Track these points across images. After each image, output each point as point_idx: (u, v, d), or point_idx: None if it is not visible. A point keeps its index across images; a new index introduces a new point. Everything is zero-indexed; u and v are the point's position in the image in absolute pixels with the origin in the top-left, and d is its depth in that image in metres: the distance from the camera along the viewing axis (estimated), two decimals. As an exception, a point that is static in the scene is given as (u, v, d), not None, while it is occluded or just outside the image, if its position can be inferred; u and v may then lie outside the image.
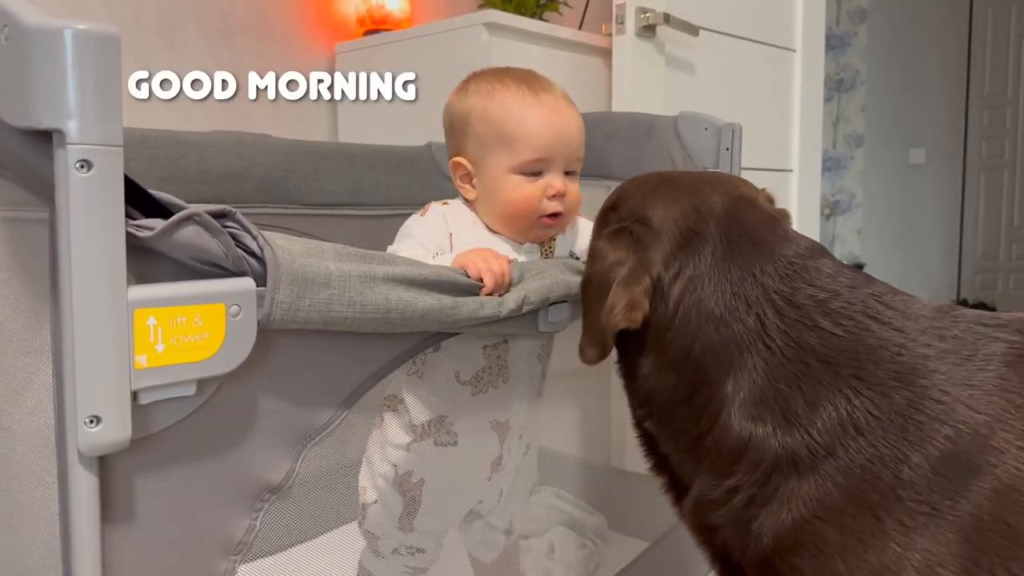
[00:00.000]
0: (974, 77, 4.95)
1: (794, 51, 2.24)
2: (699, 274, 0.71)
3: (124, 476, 0.60)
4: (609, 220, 0.78)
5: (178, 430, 0.63)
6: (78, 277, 0.54)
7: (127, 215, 0.56)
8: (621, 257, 0.72)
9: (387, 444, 0.96)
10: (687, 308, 0.71)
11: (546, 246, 1.08)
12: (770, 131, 2.20)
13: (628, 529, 1.40)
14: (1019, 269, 4.87)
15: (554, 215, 1.02)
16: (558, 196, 1.01)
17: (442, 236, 1.01)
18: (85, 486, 0.57)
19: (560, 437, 1.48)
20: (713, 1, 1.98)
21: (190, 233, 0.59)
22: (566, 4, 2.26)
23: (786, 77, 2.24)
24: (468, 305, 0.79)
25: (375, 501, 0.99)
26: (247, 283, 0.63)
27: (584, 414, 1.52)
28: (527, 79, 1.05)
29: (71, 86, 0.52)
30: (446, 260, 0.91)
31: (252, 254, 0.64)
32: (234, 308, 0.62)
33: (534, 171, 1.00)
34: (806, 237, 0.76)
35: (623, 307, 0.70)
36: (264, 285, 0.64)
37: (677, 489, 0.78)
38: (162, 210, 0.61)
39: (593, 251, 0.75)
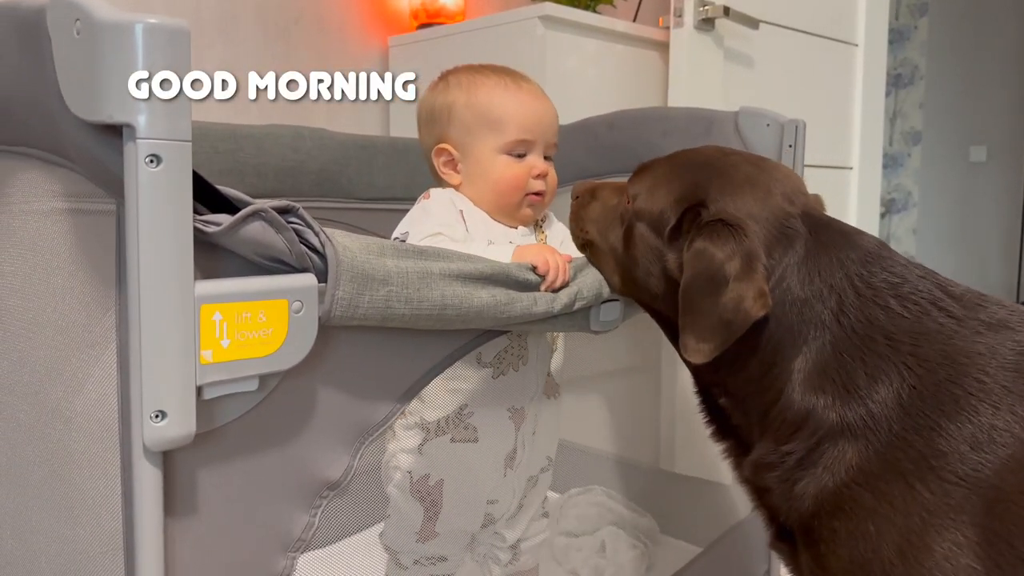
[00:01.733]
0: (1037, 73, 4.78)
1: (856, 45, 2.18)
2: (792, 263, 0.75)
3: (187, 470, 0.60)
4: (700, 217, 0.77)
5: (239, 425, 0.63)
6: (146, 272, 0.54)
7: (194, 210, 0.56)
8: (730, 252, 0.73)
9: (396, 452, 0.96)
10: (780, 295, 0.74)
11: (541, 233, 1.12)
12: (830, 128, 2.15)
13: (679, 533, 1.38)
14: (1083, 271, 4.70)
15: (538, 194, 1.07)
16: (542, 176, 1.07)
17: (454, 215, 1.04)
18: (149, 480, 0.57)
19: (607, 436, 1.46)
20: (774, -7, 1.93)
21: (256, 229, 0.59)
22: (621, -3, 2.23)
23: (847, 72, 2.19)
24: (522, 301, 0.79)
25: (388, 515, 0.99)
26: (309, 279, 0.63)
27: (631, 414, 1.50)
28: (506, 71, 1.11)
29: (142, 81, 0.52)
30: (498, 252, 0.90)
31: (314, 250, 0.64)
32: (296, 304, 0.62)
33: (519, 152, 1.06)
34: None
35: (754, 296, 0.71)
36: (324, 281, 0.64)
37: (738, 453, 0.82)
38: (227, 205, 0.61)
39: (697, 251, 0.74)
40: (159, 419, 0.55)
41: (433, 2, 2.06)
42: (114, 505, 0.61)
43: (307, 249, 0.63)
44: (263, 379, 0.62)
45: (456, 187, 1.09)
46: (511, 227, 1.08)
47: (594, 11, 2.06)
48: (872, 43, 2.22)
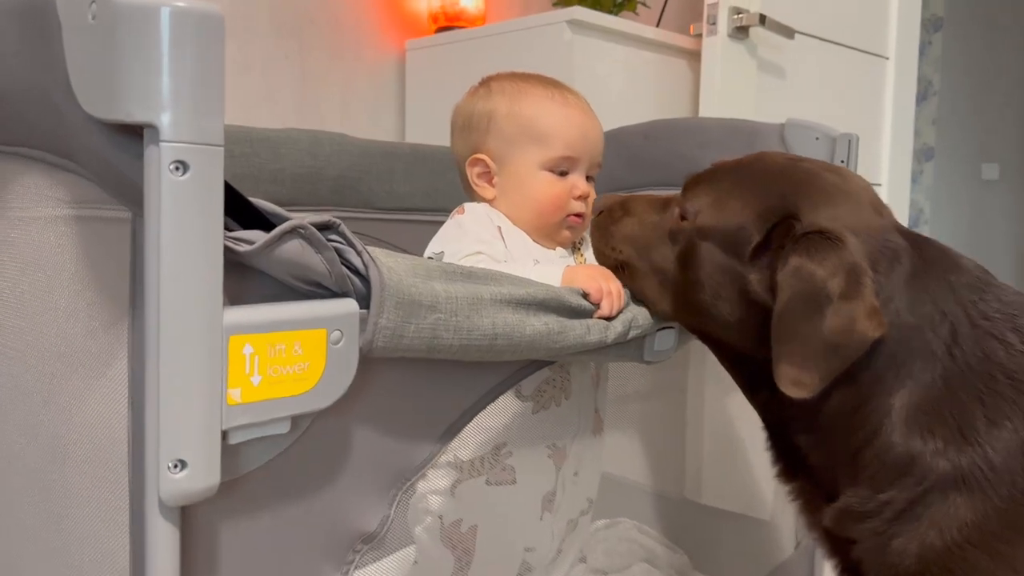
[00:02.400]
0: (1051, 90, 4.73)
1: (887, 59, 2.12)
2: (899, 282, 0.67)
3: (206, 524, 0.52)
4: (792, 231, 0.68)
5: (266, 472, 0.55)
6: (167, 296, 0.46)
7: (224, 226, 0.48)
8: (833, 267, 0.64)
9: (427, 494, 0.82)
10: (887, 318, 0.66)
11: (580, 255, 1.05)
12: (860, 142, 2.08)
13: (712, 570, 1.30)
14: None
15: (578, 215, 1.00)
16: (583, 197, 1.00)
17: (492, 231, 0.97)
18: (164, 537, 0.49)
19: (632, 465, 1.39)
20: (808, 4, 1.86)
21: (293, 248, 0.51)
22: (643, 4, 2.16)
23: (877, 86, 2.12)
24: (575, 330, 0.71)
25: (415, 562, 0.85)
26: (350, 305, 0.55)
27: (656, 442, 1.42)
28: (553, 82, 1.04)
29: (167, 74, 0.44)
30: (547, 274, 0.82)
31: (356, 272, 0.56)
32: (335, 334, 0.54)
33: (562, 169, 0.99)
34: None
35: (866, 314, 0.63)
36: (365, 307, 0.56)
37: (813, 497, 0.74)
38: (257, 219, 0.53)
39: (794, 268, 0.65)
40: (178, 469, 0.47)
41: (453, 5, 1.99)
42: (120, 562, 0.53)
43: (348, 271, 0.55)
44: (296, 420, 0.54)
45: (489, 201, 1.01)
46: (548, 248, 1.00)
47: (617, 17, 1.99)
48: (903, 57, 2.16)
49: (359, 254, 0.56)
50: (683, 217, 0.78)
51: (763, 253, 0.71)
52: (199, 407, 0.47)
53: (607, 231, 0.86)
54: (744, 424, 1.26)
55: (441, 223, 1.39)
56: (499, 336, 0.64)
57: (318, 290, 0.55)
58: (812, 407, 0.69)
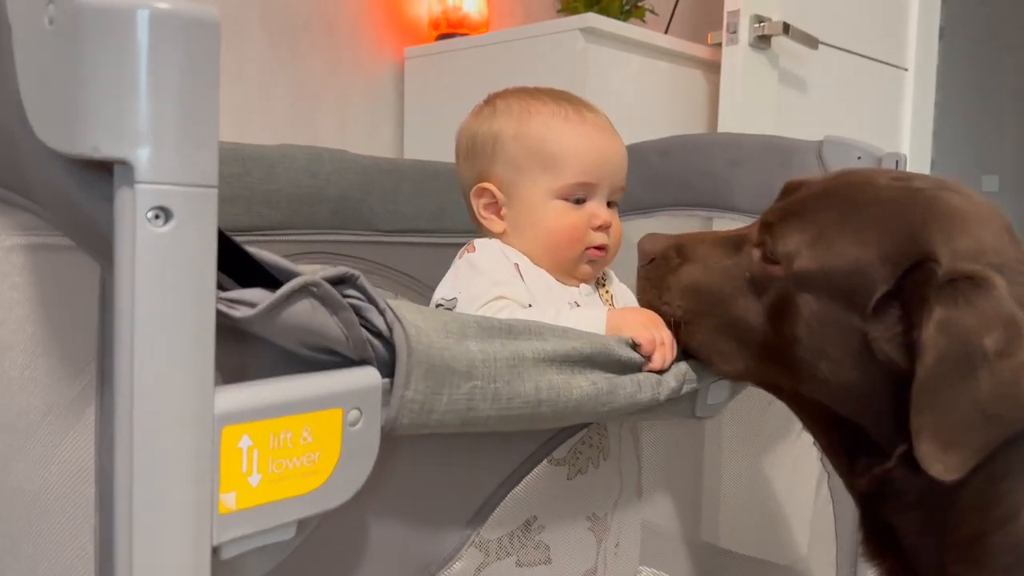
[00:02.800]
0: (1050, 101, 4.69)
1: (906, 70, 2.04)
2: None
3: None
4: (932, 276, 0.57)
5: (266, 582, 0.44)
6: (143, 379, 0.36)
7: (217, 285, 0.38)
8: (984, 321, 0.53)
9: None
10: None
11: (604, 290, 0.94)
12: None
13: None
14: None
15: (600, 248, 0.89)
16: (604, 228, 0.89)
17: (510, 271, 0.85)
18: None
19: (652, 509, 1.29)
20: (830, 13, 1.79)
21: (303, 309, 0.41)
22: (652, 11, 2.08)
23: (896, 97, 2.04)
24: (625, 388, 0.61)
25: None
26: (372, 376, 0.45)
27: (672, 483, 1.33)
28: (566, 97, 0.93)
29: (145, 95, 0.34)
30: (587, 319, 0.72)
31: (377, 334, 0.46)
32: (353, 413, 0.44)
33: (578, 197, 0.88)
34: None
35: None
36: (388, 376, 0.46)
37: None
38: (254, 271, 0.43)
39: (942, 323, 0.54)
40: (156, 598, 0.37)
41: (455, 11, 1.89)
42: None
43: (369, 333, 0.45)
44: (302, 522, 0.44)
45: (499, 235, 0.90)
46: (571, 286, 0.89)
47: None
48: (922, 68, 2.09)
49: (382, 313, 0.45)
50: (770, 260, 0.65)
51: (890, 304, 0.59)
52: (183, 520, 0.37)
53: (662, 282, 0.73)
54: (771, 464, 1.18)
55: (448, 245, 1.29)
56: (543, 402, 0.54)
57: (330, 358, 0.45)
58: (931, 484, 0.57)
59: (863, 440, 0.61)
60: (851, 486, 0.67)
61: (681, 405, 0.69)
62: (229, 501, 0.39)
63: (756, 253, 0.67)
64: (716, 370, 0.70)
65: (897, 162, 1.06)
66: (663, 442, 1.26)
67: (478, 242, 0.90)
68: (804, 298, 0.63)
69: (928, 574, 0.61)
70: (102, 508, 0.41)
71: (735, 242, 0.70)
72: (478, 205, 0.91)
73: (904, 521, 0.61)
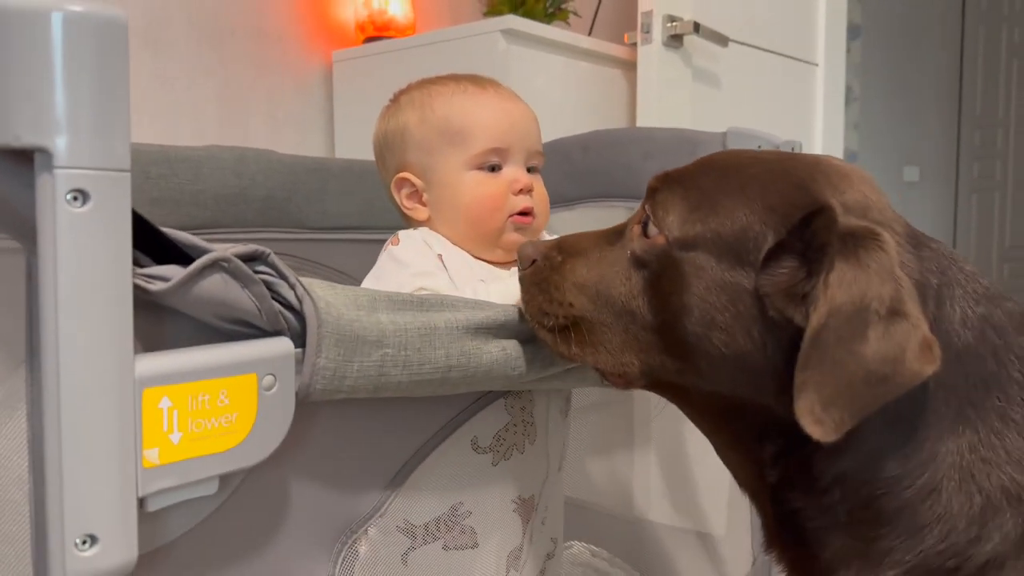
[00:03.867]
0: (966, 97, 4.91)
1: (816, 65, 2.14)
2: (947, 289, 0.56)
3: (123, 604, 0.45)
4: (834, 226, 0.55)
5: (192, 539, 0.48)
6: (68, 345, 0.39)
7: (133, 261, 0.42)
8: (878, 277, 0.52)
9: (374, 563, 0.67)
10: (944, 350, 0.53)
11: None
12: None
13: (670, 591, 1.26)
14: (1013, 290, 4.81)
15: (524, 213, 0.88)
16: (526, 191, 0.89)
17: (432, 261, 0.87)
18: (72, 626, 0.42)
19: (580, 485, 1.34)
20: (740, 12, 1.87)
21: (215, 283, 0.45)
22: (575, 14, 2.14)
23: (808, 92, 2.14)
24: (538, 352, 0.66)
25: None
26: (284, 345, 0.49)
27: (603, 458, 1.38)
28: (468, 76, 0.94)
29: (61, 89, 0.38)
30: (498, 292, 0.76)
31: (289, 307, 0.50)
32: (268, 379, 0.48)
33: (492, 164, 0.88)
34: None
35: (918, 346, 0.50)
36: (301, 346, 0.50)
37: (808, 569, 0.61)
38: (171, 251, 0.47)
39: (841, 276, 0.52)
40: (87, 546, 0.41)
41: (381, 14, 1.93)
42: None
43: (280, 306, 0.49)
44: (224, 479, 0.48)
45: (425, 223, 0.92)
46: (500, 265, 0.91)
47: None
48: (831, 63, 2.19)
49: (292, 287, 0.50)
50: (650, 235, 0.62)
51: (782, 256, 0.57)
52: (109, 473, 0.41)
53: (547, 283, 0.67)
54: (692, 437, 1.24)
55: (376, 241, 1.33)
56: (453, 368, 0.58)
57: (246, 330, 0.49)
58: (833, 458, 0.57)
59: (770, 425, 0.59)
60: (756, 481, 0.64)
61: (591, 372, 0.74)
62: (152, 456, 0.43)
63: (636, 229, 0.64)
64: (612, 373, 0.66)
65: (792, 148, 1.14)
66: (595, 422, 1.32)
67: (402, 233, 0.91)
68: (690, 264, 0.59)
69: (833, 560, 0.59)
70: (34, 471, 0.45)
71: (617, 229, 0.68)
72: (400, 197, 0.93)
73: (810, 504, 0.59)
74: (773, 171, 0.60)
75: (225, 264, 0.45)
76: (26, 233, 0.42)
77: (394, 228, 1.34)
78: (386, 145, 0.95)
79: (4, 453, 0.46)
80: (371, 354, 0.53)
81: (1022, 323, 0.57)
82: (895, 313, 0.51)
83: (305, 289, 0.50)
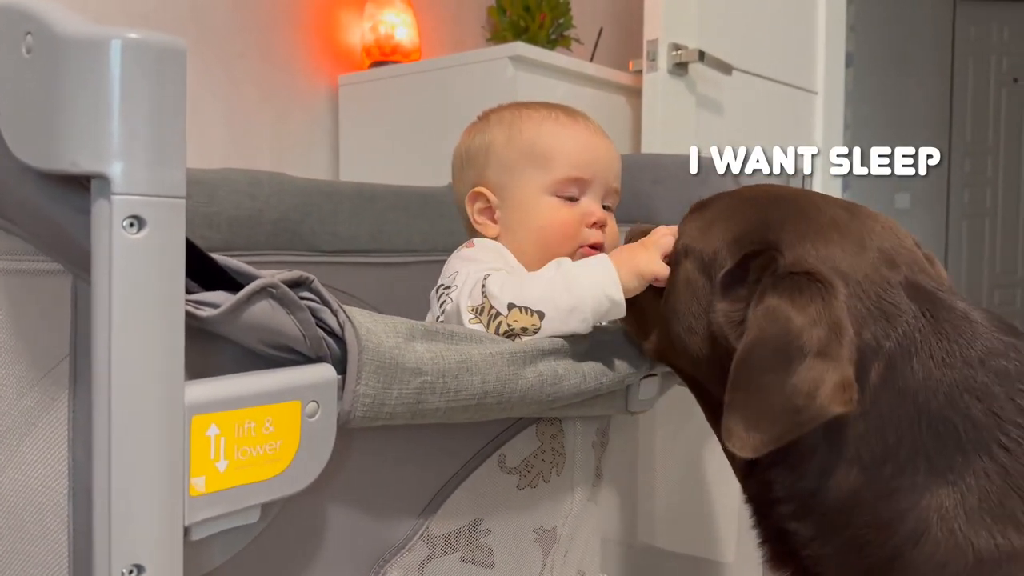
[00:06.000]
0: (956, 124, 4.97)
1: (816, 93, 2.17)
2: (903, 352, 0.57)
3: (163, 635, 0.45)
4: (774, 265, 0.60)
5: (231, 567, 0.48)
6: (121, 373, 0.39)
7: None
8: (811, 318, 0.55)
9: (390, 570, 0.66)
10: (891, 398, 0.56)
11: None
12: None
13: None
14: (1003, 316, 4.85)
15: (594, 247, 0.88)
16: (599, 225, 0.89)
17: (504, 259, 0.87)
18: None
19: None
20: (743, 41, 1.90)
21: (263, 310, 0.45)
22: (577, 41, 2.16)
23: (807, 119, 2.17)
24: (571, 379, 0.66)
25: None
26: (327, 372, 0.49)
27: (608, 485, 1.38)
28: (559, 106, 0.95)
29: (119, 116, 0.38)
30: (589, 268, 0.74)
31: (331, 333, 0.50)
32: (311, 406, 0.48)
33: (570, 194, 0.89)
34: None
35: (834, 386, 0.53)
36: (342, 373, 0.50)
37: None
38: (218, 276, 0.47)
39: (769, 309, 0.57)
40: (134, 576, 0.40)
41: (388, 40, 1.94)
42: None
43: (323, 332, 0.49)
44: (266, 507, 0.47)
45: (495, 240, 0.91)
46: None
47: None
48: (831, 91, 2.22)
49: (335, 313, 0.50)
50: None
51: (738, 284, 0.63)
52: (158, 502, 0.40)
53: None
54: (699, 462, 1.23)
55: (387, 264, 1.33)
56: (489, 394, 0.58)
57: (287, 356, 0.49)
58: (808, 486, 0.59)
59: None
60: (742, 485, 0.67)
61: (616, 400, 0.74)
62: (199, 485, 0.42)
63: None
64: (643, 349, 0.74)
65: (803, 179, 1.15)
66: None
67: (477, 240, 0.91)
68: (683, 268, 0.68)
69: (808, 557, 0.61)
70: (75, 498, 0.44)
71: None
72: (472, 211, 0.92)
73: (805, 529, 0.61)
74: (757, 207, 0.67)
75: (273, 290, 0.45)
76: (76, 259, 0.42)
77: (403, 251, 1.35)
78: (468, 159, 0.94)
79: (43, 480, 0.46)
80: (410, 382, 0.53)
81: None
82: (822, 354, 0.54)
83: (347, 316, 0.50)
